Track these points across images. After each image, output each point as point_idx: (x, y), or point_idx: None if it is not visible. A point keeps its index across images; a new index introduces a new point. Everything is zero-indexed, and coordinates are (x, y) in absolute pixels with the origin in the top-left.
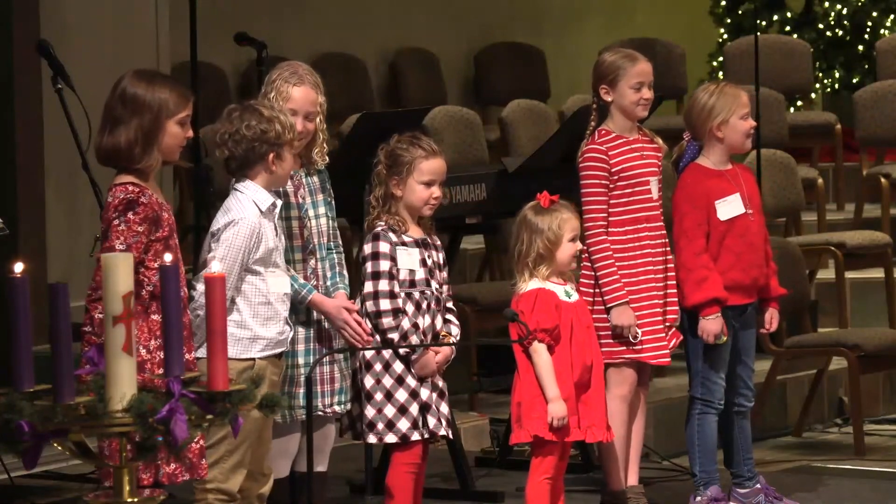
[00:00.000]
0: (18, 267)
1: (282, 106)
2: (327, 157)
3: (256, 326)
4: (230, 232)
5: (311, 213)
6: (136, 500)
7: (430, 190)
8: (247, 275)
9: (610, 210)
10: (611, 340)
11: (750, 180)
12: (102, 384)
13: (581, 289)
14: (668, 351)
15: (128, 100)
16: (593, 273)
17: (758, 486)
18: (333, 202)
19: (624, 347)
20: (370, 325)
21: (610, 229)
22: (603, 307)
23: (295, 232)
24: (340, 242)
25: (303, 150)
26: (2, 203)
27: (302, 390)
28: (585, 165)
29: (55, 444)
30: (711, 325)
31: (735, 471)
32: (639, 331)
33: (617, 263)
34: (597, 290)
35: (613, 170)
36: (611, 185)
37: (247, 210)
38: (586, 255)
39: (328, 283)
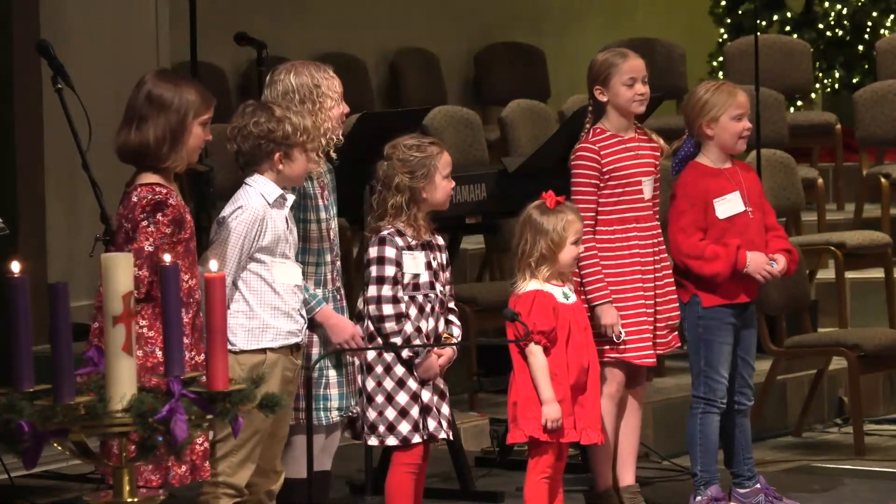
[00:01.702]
0: (17, 267)
1: (334, 106)
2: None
3: (265, 315)
4: (234, 217)
5: (332, 212)
6: (136, 500)
7: (451, 182)
8: (251, 262)
9: (601, 209)
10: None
11: (751, 178)
12: (102, 384)
13: None
14: (653, 352)
15: (154, 99)
16: (578, 272)
17: (758, 485)
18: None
19: (608, 347)
20: (373, 328)
21: (598, 228)
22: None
23: (324, 234)
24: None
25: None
26: (2, 203)
27: (335, 391)
28: (577, 164)
29: (55, 444)
30: (755, 266)
31: (735, 470)
32: (622, 330)
33: (604, 263)
34: (581, 290)
35: (605, 169)
36: (601, 185)
37: (253, 200)
38: None
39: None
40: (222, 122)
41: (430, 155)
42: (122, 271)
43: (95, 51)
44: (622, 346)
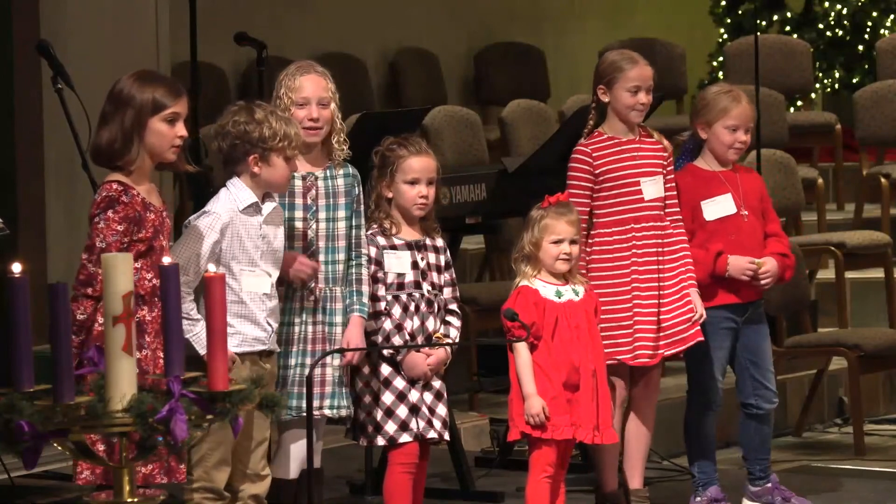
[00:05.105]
0: (17, 267)
1: (290, 107)
2: (346, 145)
3: (231, 320)
4: (197, 221)
5: (321, 215)
6: (135, 500)
7: (415, 188)
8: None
9: (598, 212)
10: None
11: (751, 182)
12: (102, 384)
13: None
14: (650, 353)
15: (114, 97)
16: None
17: (769, 484)
18: (363, 209)
19: (611, 349)
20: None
21: (599, 230)
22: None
23: (297, 233)
24: (362, 252)
25: (321, 146)
26: (2, 203)
27: (293, 390)
28: (570, 167)
29: (55, 444)
30: (736, 270)
31: (748, 468)
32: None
33: (602, 265)
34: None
35: (597, 171)
36: (595, 187)
37: (220, 205)
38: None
39: (346, 301)
40: None
41: (396, 156)
42: (122, 271)
43: (95, 51)
44: (620, 348)
